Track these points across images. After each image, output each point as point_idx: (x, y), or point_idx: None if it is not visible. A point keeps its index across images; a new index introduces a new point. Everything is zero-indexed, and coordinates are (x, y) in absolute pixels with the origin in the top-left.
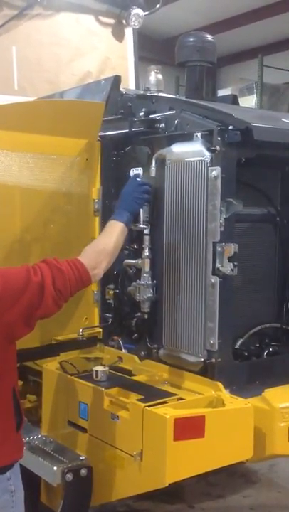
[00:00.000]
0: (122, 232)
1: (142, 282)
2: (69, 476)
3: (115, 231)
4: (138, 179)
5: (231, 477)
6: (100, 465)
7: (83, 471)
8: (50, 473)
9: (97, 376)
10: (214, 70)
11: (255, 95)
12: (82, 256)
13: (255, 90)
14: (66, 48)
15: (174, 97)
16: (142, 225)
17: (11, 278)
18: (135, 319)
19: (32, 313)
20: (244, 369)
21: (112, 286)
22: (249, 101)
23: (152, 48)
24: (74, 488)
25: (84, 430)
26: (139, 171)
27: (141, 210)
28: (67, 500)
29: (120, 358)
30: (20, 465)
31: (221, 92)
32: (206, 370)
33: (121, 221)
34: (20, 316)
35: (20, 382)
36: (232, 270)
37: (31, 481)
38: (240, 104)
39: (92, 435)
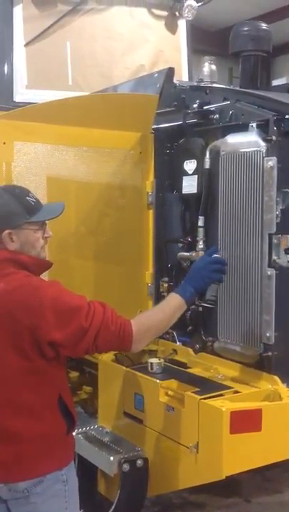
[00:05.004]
0: (180, 309)
1: None
2: (126, 467)
3: (173, 307)
4: (214, 255)
5: (288, 472)
6: (155, 456)
7: (139, 462)
8: (107, 463)
9: (152, 368)
10: (269, 60)
11: None
12: (135, 323)
13: None
14: (119, 42)
15: (228, 87)
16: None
17: (64, 305)
18: (190, 312)
19: (59, 350)
20: None
21: (166, 279)
22: None
23: (204, 40)
24: (130, 479)
25: (140, 421)
26: (215, 249)
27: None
28: (124, 491)
29: (175, 351)
30: (78, 455)
31: (275, 82)
32: (262, 364)
33: (183, 296)
34: (49, 344)
35: (76, 374)
36: None
37: (88, 471)
38: None
39: (147, 426)
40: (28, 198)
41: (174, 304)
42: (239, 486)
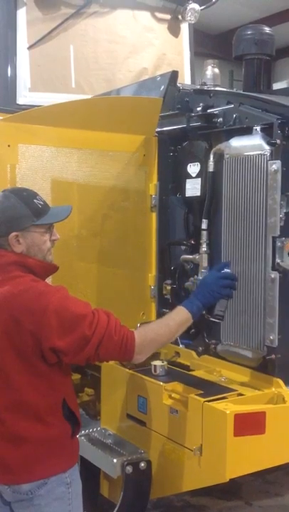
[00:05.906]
0: (185, 323)
1: (200, 278)
2: (128, 469)
3: (179, 321)
4: (225, 270)
5: None
6: (159, 459)
7: (142, 464)
8: (110, 465)
9: (155, 371)
10: (270, 63)
11: None
12: (138, 334)
13: None
14: (122, 45)
15: (232, 90)
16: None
17: (68, 312)
18: None
19: (61, 357)
20: None
21: (169, 281)
22: None
23: (205, 43)
24: (133, 481)
25: (143, 424)
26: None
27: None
28: (127, 493)
29: (178, 353)
30: (81, 457)
31: (276, 86)
32: (265, 367)
33: (189, 311)
34: (51, 350)
35: (78, 376)
36: None
37: (91, 473)
38: None
39: (151, 429)
40: (35, 200)
41: (179, 318)
42: (240, 488)
